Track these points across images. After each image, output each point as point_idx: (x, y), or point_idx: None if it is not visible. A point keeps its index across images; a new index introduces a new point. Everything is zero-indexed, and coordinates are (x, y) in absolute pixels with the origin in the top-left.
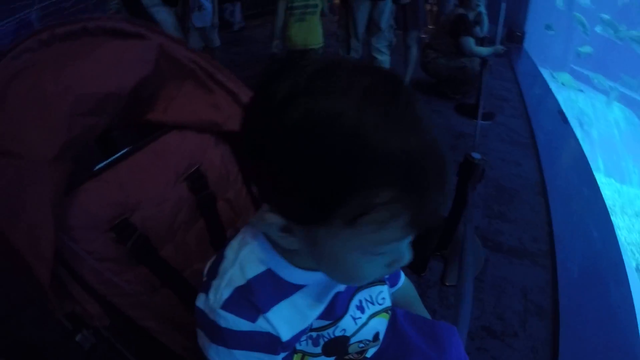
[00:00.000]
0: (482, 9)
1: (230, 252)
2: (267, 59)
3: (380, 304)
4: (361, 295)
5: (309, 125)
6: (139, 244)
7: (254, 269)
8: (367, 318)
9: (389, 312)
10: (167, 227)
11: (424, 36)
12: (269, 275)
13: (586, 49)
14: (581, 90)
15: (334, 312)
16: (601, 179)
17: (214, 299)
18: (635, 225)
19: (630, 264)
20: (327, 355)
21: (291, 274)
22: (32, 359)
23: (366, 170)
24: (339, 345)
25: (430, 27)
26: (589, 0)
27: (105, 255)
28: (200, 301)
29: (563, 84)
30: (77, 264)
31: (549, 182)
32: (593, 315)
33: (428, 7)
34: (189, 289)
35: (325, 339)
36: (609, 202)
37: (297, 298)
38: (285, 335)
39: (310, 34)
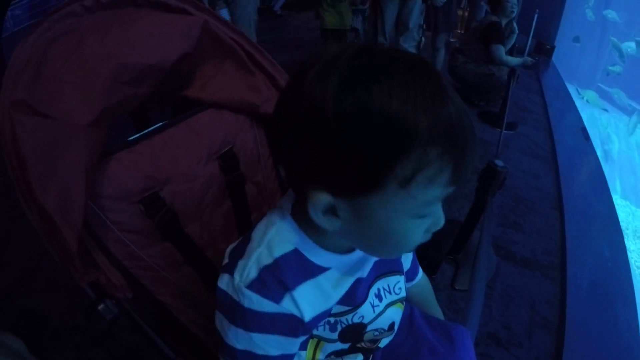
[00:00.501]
0: (515, 17)
1: (257, 233)
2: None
3: (397, 294)
4: (380, 284)
5: (360, 114)
6: (166, 219)
7: (281, 248)
8: (384, 307)
9: (404, 302)
10: (196, 204)
11: (452, 40)
12: (296, 254)
13: (617, 68)
14: (605, 110)
15: (354, 298)
16: (617, 201)
17: (239, 279)
18: None
19: (639, 287)
20: (343, 342)
21: (317, 255)
22: (39, 329)
23: (416, 136)
24: (355, 332)
25: (459, 31)
26: (620, 18)
27: (131, 228)
28: (223, 282)
29: (588, 101)
30: (103, 234)
31: (565, 198)
32: (598, 333)
33: (460, 12)
34: (211, 269)
35: (343, 325)
36: (622, 225)
37: (321, 279)
38: (308, 315)
39: (341, 18)
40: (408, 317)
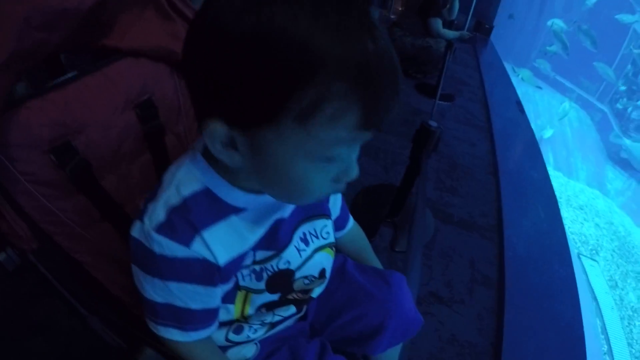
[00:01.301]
0: None
1: (167, 176)
2: None
3: (324, 238)
4: (305, 228)
5: (259, 35)
6: (79, 169)
7: (190, 187)
8: (312, 251)
9: (334, 249)
10: (111, 155)
11: (392, 16)
12: (206, 194)
13: (554, 48)
14: (539, 87)
15: (277, 241)
16: (550, 172)
17: (149, 223)
18: (578, 217)
19: (572, 252)
20: (271, 292)
21: (230, 194)
22: None
23: (318, 66)
24: (283, 280)
25: (400, 9)
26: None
27: (41, 179)
28: (135, 229)
29: (523, 79)
30: (10, 184)
31: (500, 164)
32: (537, 288)
33: None
34: (130, 225)
35: (269, 273)
36: (555, 194)
37: (235, 220)
38: (222, 258)
39: None
40: (341, 267)
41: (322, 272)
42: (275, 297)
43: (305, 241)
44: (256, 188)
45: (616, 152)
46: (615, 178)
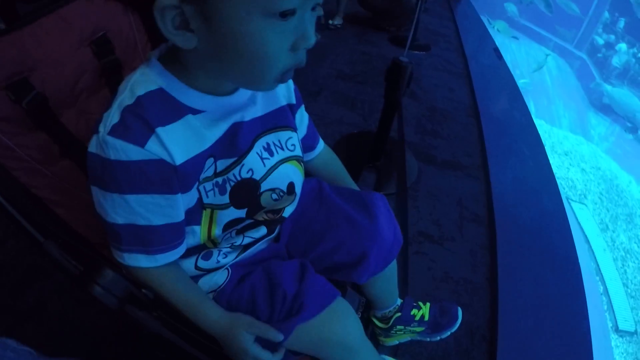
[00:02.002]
0: None
1: (122, 84)
2: None
3: (290, 150)
4: (269, 139)
5: None
6: (36, 103)
7: (145, 87)
8: (277, 162)
9: (302, 164)
10: (69, 91)
11: None
12: (161, 93)
13: None
14: (516, 38)
15: (236, 145)
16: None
17: (103, 130)
18: (564, 163)
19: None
20: (237, 206)
21: (187, 95)
22: None
23: None
24: (248, 192)
25: None
26: None
27: None
28: (91, 144)
29: (498, 30)
30: None
31: (481, 106)
32: (528, 222)
33: None
34: None
35: (232, 183)
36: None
37: (192, 119)
38: (179, 157)
39: None
40: (317, 190)
41: (291, 187)
42: (242, 213)
43: (269, 151)
44: (216, 90)
45: (598, 99)
46: (598, 124)
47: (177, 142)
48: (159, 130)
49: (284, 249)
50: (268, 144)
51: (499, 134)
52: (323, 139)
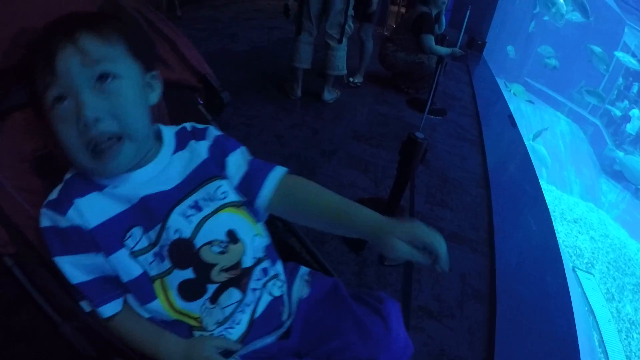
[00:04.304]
0: (443, 10)
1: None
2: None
3: (221, 199)
4: (196, 197)
5: None
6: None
7: (70, 172)
8: (206, 215)
9: (243, 207)
10: None
11: (386, 33)
12: (79, 175)
13: (552, 61)
14: (531, 102)
15: (154, 214)
16: (544, 186)
17: (44, 204)
18: (572, 231)
19: (567, 265)
20: (181, 267)
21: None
22: None
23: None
24: (184, 251)
25: (393, 25)
26: (545, 13)
27: (26, 187)
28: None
29: (515, 94)
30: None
31: (492, 177)
32: (530, 302)
33: (395, 8)
34: None
35: (167, 248)
36: (549, 208)
37: (107, 191)
38: (93, 221)
39: None
40: (333, 290)
41: (232, 235)
42: (189, 273)
43: (196, 207)
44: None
45: (609, 165)
46: (609, 191)
47: (93, 208)
48: (77, 200)
49: (294, 346)
50: (196, 202)
51: (508, 207)
52: None
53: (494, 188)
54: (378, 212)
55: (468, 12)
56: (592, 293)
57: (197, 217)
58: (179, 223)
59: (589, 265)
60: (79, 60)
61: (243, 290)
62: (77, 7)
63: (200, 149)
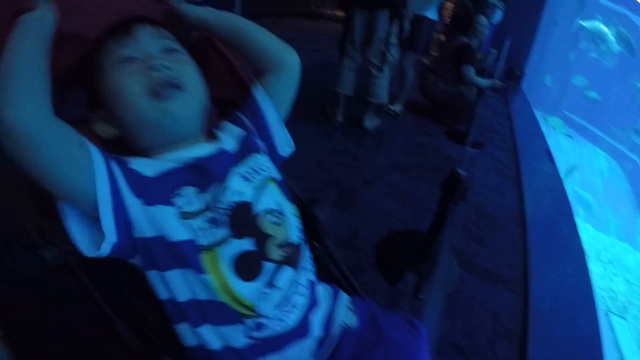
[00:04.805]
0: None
1: None
2: None
3: (264, 170)
4: (241, 169)
5: None
6: None
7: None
8: (261, 182)
9: (275, 182)
10: None
11: (425, 61)
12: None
13: (593, 94)
14: (570, 136)
15: (210, 174)
16: (579, 224)
17: None
18: (607, 272)
19: (600, 308)
20: (238, 235)
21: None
22: None
23: None
24: (246, 218)
25: (434, 54)
26: (592, 49)
27: None
28: None
29: (553, 128)
30: None
31: (528, 215)
32: (561, 345)
33: (435, 34)
34: None
35: (227, 212)
36: (584, 247)
37: (159, 156)
38: (148, 172)
39: None
40: (372, 319)
41: (280, 207)
42: (249, 244)
43: (249, 176)
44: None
45: None
46: None
47: (145, 164)
48: (130, 159)
49: None
50: (251, 168)
51: (543, 246)
52: (370, 231)
53: (530, 226)
54: (415, 246)
55: (507, 42)
56: (624, 339)
57: (256, 181)
58: (240, 185)
59: (623, 309)
60: (153, 33)
61: (296, 268)
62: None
63: (236, 129)
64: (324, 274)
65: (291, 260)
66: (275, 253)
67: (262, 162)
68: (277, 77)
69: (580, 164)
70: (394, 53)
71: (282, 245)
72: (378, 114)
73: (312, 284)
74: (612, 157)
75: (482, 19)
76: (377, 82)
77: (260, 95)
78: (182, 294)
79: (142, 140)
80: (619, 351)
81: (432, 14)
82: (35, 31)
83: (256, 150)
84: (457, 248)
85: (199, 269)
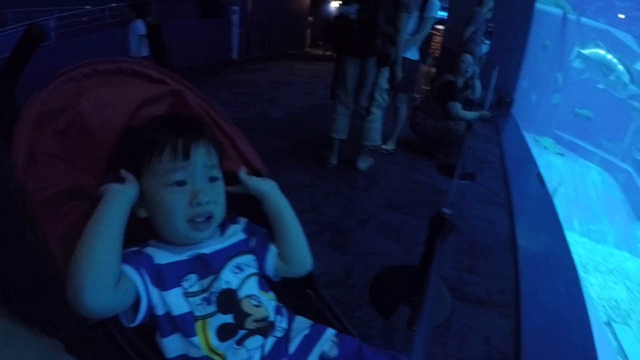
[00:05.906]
0: (476, 74)
1: None
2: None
3: (250, 267)
4: (235, 262)
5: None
6: None
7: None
8: (246, 276)
9: (257, 276)
10: None
11: (417, 96)
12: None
13: (585, 111)
14: (561, 154)
15: (209, 267)
16: (575, 238)
17: None
18: (607, 282)
19: (601, 318)
20: (223, 311)
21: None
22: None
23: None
24: (230, 300)
25: (425, 88)
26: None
27: None
28: None
29: (545, 147)
30: None
31: (519, 240)
32: None
33: (425, 68)
34: None
35: (216, 294)
36: (583, 261)
37: (174, 249)
38: (163, 260)
39: None
40: (357, 351)
41: (254, 297)
42: (229, 318)
43: (240, 268)
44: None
45: None
46: None
47: (162, 253)
48: (150, 248)
49: None
50: (239, 264)
51: (535, 270)
52: (364, 269)
53: (522, 251)
54: (407, 280)
55: (495, 73)
56: (630, 346)
57: (242, 275)
58: (230, 276)
59: (626, 317)
60: (204, 161)
61: (265, 336)
62: (148, 104)
63: (238, 230)
64: (319, 316)
65: (261, 330)
66: (251, 325)
67: (249, 261)
68: (290, 267)
69: (569, 179)
70: (385, 97)
71: (258, 320)
72: (371, 154)
73: (279, 339)
74: (604, 170)
75: (466, 57)
76: (370, 126)
77: (271, 250)
78: (178, 346)
79: (168, 235)
80: (626, 358)
81: (412, 54)
82: (121, 204)
83: (248, 251)
84: (448, 278)
85: (192, 333)
